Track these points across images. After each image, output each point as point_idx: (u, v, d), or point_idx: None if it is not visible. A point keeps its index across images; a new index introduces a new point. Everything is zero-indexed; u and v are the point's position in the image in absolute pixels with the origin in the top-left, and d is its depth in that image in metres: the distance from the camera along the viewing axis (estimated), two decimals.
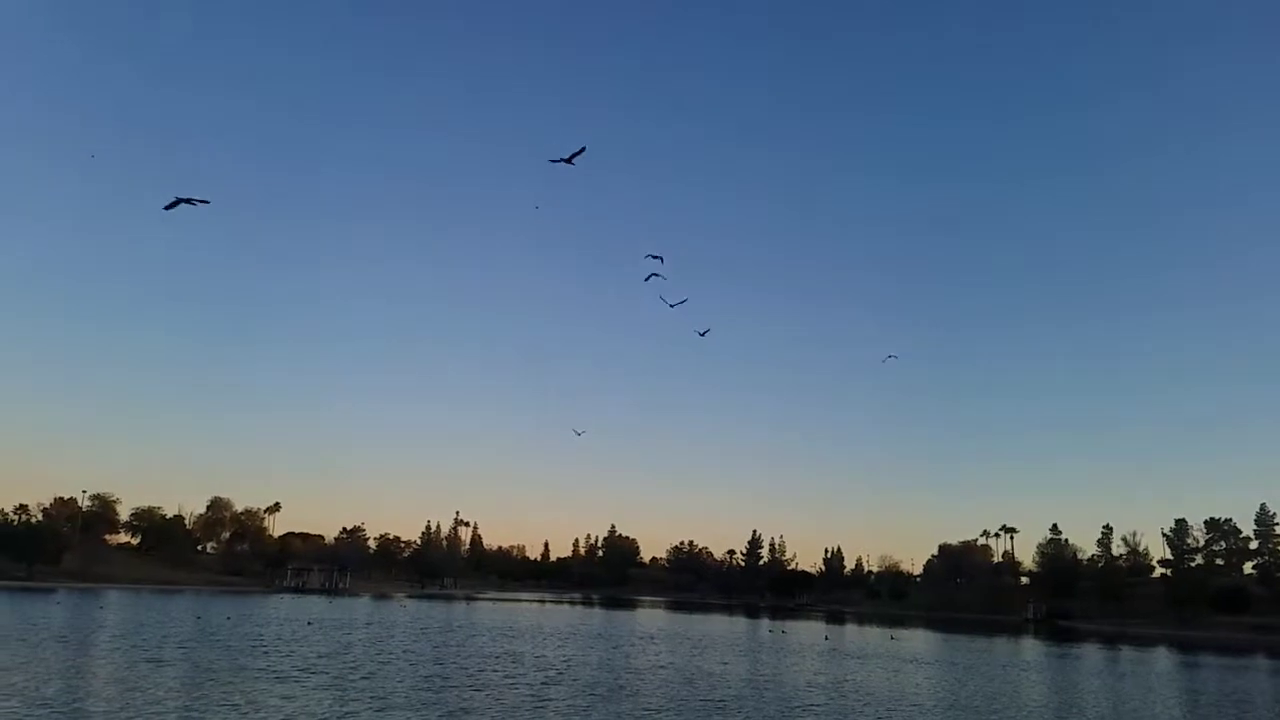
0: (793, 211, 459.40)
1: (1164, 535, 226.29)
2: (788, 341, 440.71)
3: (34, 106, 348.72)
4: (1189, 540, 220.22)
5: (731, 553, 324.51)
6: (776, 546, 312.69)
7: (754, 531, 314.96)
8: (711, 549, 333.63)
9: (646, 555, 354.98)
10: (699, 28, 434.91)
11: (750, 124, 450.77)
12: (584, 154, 62.50)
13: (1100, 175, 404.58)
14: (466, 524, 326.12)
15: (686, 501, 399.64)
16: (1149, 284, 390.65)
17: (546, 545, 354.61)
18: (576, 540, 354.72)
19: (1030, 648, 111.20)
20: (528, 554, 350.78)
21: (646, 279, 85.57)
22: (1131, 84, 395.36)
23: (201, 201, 50.71)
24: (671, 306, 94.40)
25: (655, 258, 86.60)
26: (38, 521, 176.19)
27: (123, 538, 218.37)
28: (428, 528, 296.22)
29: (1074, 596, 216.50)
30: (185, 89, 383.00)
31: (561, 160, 62.74)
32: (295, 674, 46.47)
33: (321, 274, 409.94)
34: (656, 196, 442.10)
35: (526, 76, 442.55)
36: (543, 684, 47.48)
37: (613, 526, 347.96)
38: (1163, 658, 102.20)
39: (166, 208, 50.27)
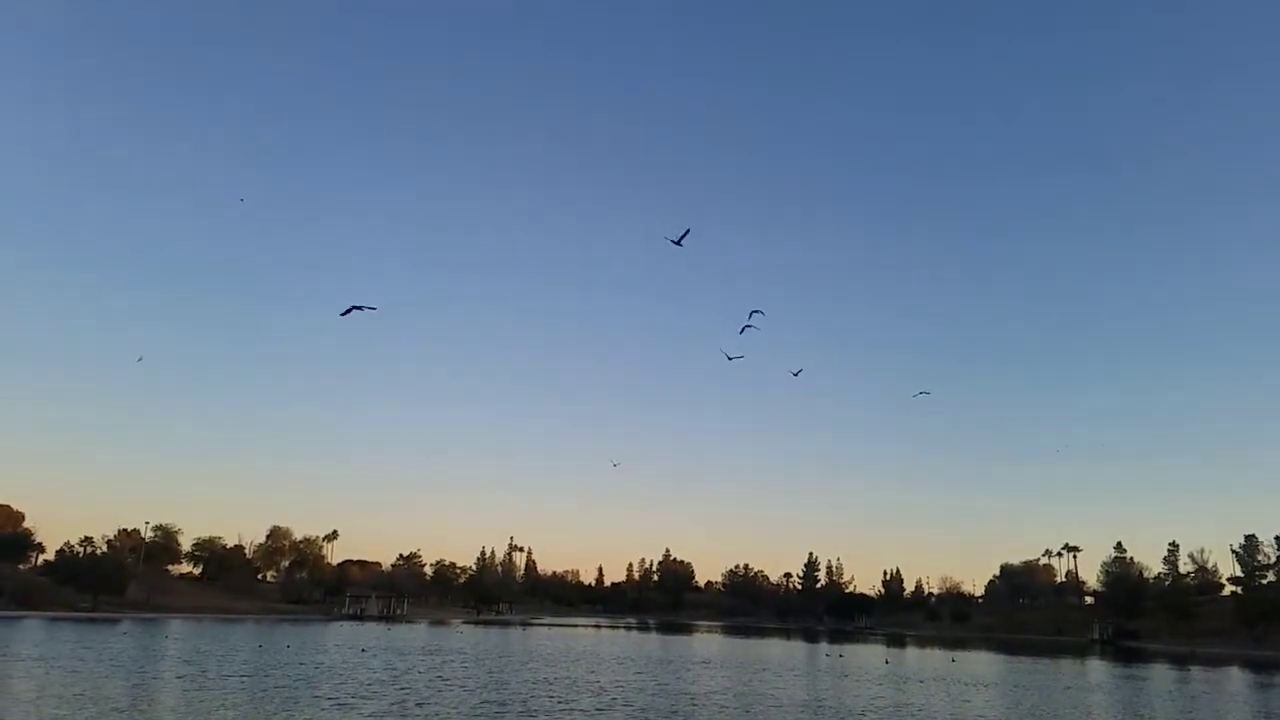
0: (850, 251, 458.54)
1: (1233, 552, 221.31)
2: (843, 362, 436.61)
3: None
4: (1260, 557, 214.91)
5: (788, 576, 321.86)
6: (834, 569, 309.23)
7: (810, 554, 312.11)
8: (767, 572, 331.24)
9: (701, 579, 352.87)
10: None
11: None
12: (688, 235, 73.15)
13: (1151, 199, 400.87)
14: (521, 549, 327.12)
15: (742, 525, 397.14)
16: (1215, 298, 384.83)
17: (601, 570, 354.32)
18: (631, 565, 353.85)
19: (1096, 669, 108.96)
20: (582, 579, 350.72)
21: (742, 330, 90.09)
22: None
23: (370, 308, 64.00)
24: (730, 359, 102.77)
25: (757, 313, 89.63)
26: (102, 553, 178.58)
27: (185, 568, 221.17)
28: (483, 554, 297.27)
29: (1141, 616, 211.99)
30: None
31: (674, 241, 72.92)
32: (352, 700, 46.67)
33: (379, 306, 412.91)
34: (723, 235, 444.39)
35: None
36: (597, 709, 47.24)
37: (667, 551, 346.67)
38: (1235, 678, 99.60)
39: (342, 314, 63.08)
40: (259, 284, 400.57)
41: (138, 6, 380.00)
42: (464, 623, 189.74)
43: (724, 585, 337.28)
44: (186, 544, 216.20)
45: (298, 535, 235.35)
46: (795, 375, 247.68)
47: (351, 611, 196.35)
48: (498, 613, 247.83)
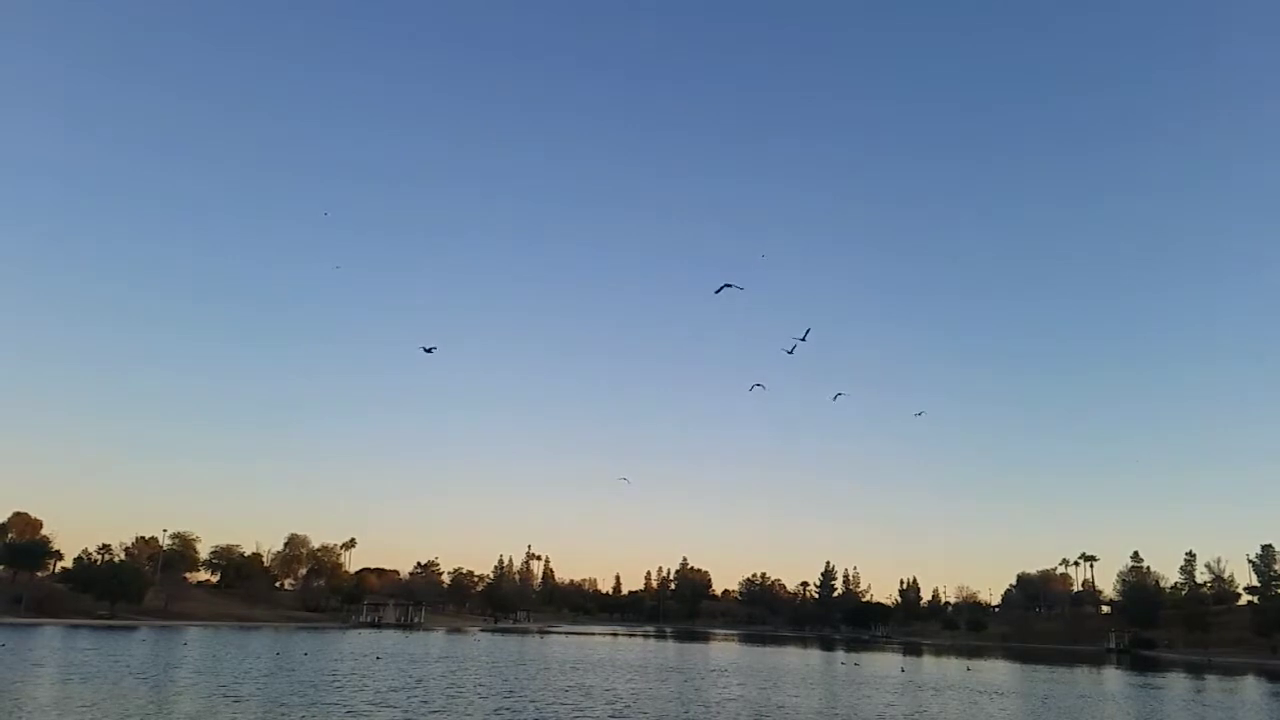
0: (863, 260, 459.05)
1: (1250, 562, 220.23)
2: (858, 371, 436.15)
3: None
4: (1276, 567, 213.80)
5: (805, 585, 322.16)
6: (850, 578, 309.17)
7: (827, 563, 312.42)
8: (784, 581, 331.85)
9: (718, 588, 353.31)
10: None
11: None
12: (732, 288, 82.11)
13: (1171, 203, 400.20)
14: (538, 558, 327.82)
15: (759, 534, 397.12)
16: (1233, 306, 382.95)
17: (618, 578, 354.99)
18: (648, 573, 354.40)
19: (1112, 678, 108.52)
20: (599, 587, 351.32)
21: (792, 350, 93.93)
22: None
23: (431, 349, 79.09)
24: (757, 387, 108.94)
25: (802, 339, 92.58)
26: (120, 561, 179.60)
27: (202, 575, 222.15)
28: (500, 562, 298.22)
29: (1157, 625, 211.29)
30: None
31: (725, 286, 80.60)
32: (368, 708, 46.98)
33: (398, 319, 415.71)
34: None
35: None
36: (611, 717, 47.47)
37: (684, 559, 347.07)
38: (1251, 687, 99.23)
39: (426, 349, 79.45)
40: (276, 294, 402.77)
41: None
42: (481, 630, 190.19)
43: (741, 594, 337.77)
44: (204, 552, 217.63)
45: (315, 543, 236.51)
46: (835, 399, 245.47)
47: (369, 619, 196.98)
48: (515, 621, 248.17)
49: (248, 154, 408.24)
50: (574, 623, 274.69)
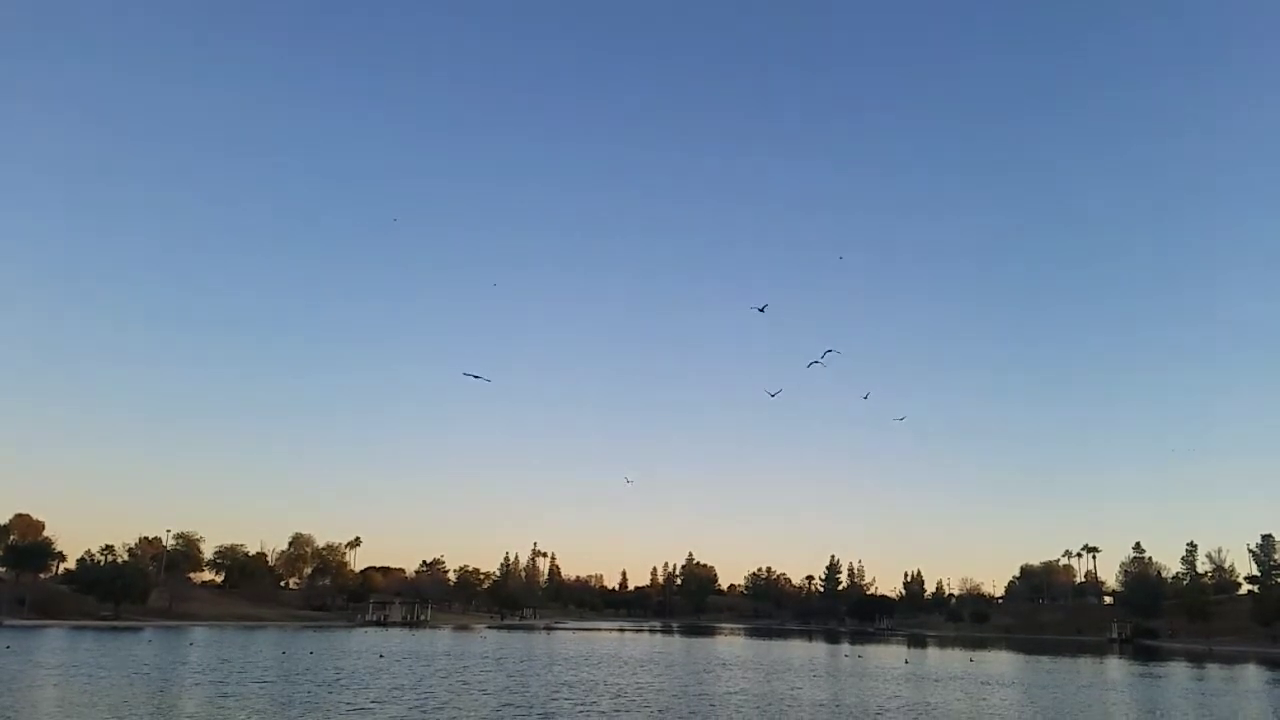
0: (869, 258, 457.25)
1: (1250, 551, 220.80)
2: (862, 367, 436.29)
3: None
4: (1276, 556, 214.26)
5: (810, 578, 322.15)
6: (855, 571, 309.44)
7: (832, 556, 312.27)
8: (790, 575, 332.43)
9: (724, 583, 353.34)
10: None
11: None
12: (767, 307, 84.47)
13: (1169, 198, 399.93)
14: (544, 555, 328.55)
15: (764, 528, 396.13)
16: (1232, 302, 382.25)
17: (624, 574, 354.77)
18: (654, 569, 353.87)
19: (1115, 668, 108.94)
20: (605, 583, 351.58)
21: (810, 364, 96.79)
22: None
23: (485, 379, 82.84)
24: (771, 395, 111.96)
25: (830, 352, 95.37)
26: (124, 561, 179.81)
27: (207, 575, 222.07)
28: (506, 559, 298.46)
29: (1159, 615, 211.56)
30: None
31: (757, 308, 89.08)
32: (373, 705, 47.32)
33: (405, 315, 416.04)
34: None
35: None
36: (615, 711, 47.82)
37: (690, 554, 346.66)
38: (1252, 675, 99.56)
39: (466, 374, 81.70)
40: (280, 292, 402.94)
41: None
42: (488, 628, 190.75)
43: (747, 588, 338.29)
44: (208, 551, 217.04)
45: (320, 542, 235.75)
46: (865, 399, 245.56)
47: (375, 618, 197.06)
48: (521, 618, 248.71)
49: (246, 143, 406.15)
50: (580, 619, 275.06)
